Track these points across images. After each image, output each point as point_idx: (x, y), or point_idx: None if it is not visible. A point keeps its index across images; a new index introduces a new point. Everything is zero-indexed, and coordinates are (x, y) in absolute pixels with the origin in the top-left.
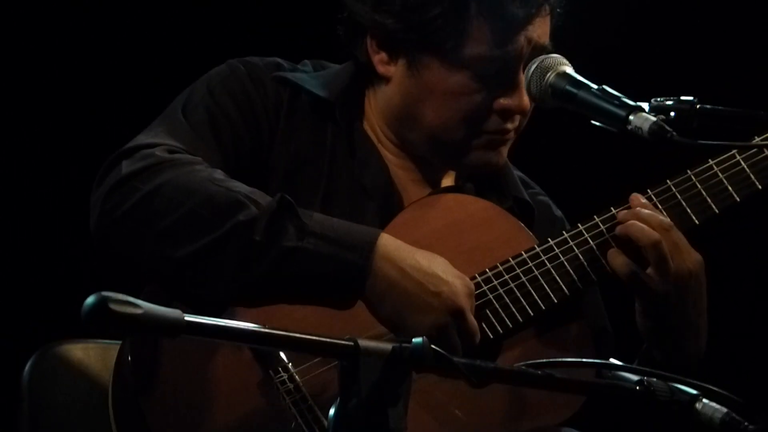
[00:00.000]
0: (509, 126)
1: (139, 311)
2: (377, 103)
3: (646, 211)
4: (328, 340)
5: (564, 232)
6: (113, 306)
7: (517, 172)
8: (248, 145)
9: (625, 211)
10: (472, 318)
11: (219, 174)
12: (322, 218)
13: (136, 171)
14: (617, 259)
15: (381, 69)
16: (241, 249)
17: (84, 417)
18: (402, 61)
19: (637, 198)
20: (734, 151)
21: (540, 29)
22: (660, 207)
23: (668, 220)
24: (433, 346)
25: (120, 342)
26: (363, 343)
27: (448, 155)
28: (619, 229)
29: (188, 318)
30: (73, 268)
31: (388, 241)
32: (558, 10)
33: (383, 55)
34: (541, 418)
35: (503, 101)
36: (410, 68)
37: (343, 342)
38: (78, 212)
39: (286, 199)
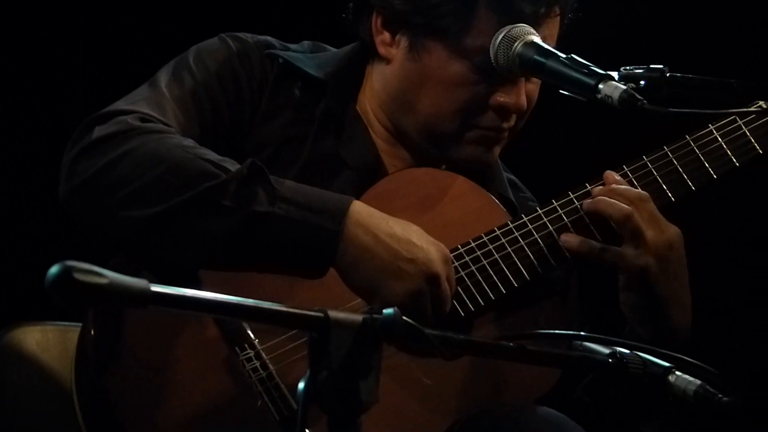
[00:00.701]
0: (504, 125)
1: (104, 281)
2: (374, 85)
3: (622, 186)
4: (297, 311)
5: (537, 209)
6: (78, 275)
7: (508, 175)
8: (228, 120)
9: (600, 187)
10: (446, 285)
11: (189, 142)
12: (294, 184)
13: (105, 137)
14: (573, 241)
15: (382, 50)
16: (210, 214)
17: (44, 400)
18: (404, 43)
19: (612, 175)
20: (711, 126)
21: (547, 30)
22: (636, 183)
23: (645, 192)
24: (404, 318)
25: (79, 324)
26: (333, 314)
27: (439, 145)
28: (586, 205)
29: (155, 288)
30: (28, 250)
31: (360, 208)
32: (570, 15)
33: (386, 36)
34: (517, 393)
35: (500, 98)
36: (411, 51)
37: (313, 313)
38: (33, 193)
39: (257, 165)
